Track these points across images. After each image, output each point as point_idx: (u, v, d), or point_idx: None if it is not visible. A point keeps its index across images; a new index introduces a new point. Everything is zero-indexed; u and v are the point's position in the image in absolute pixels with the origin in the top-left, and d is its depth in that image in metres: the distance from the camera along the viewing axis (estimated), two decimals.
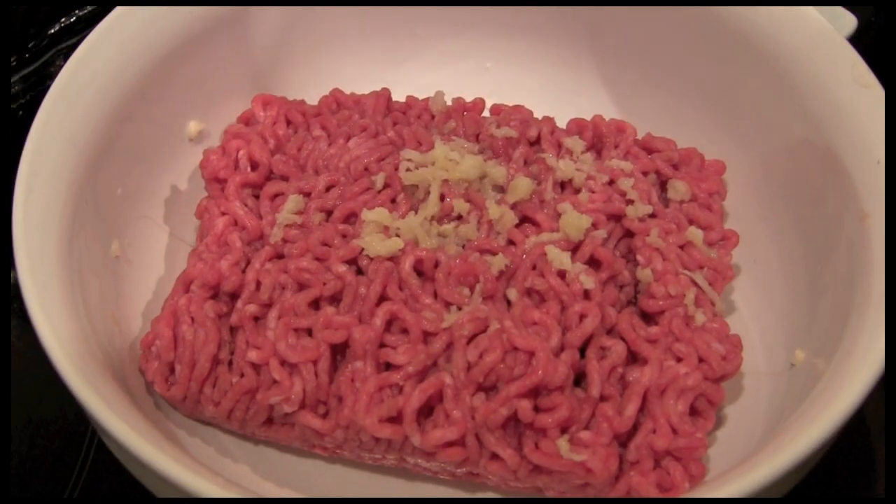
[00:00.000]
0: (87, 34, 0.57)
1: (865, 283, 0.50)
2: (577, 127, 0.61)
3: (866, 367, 0.45)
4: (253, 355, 0.52)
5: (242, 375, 0.52)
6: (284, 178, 0.59)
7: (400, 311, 0.52)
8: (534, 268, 0.54)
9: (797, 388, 0.52)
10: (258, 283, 0.54)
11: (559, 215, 0.55)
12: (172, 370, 0.54)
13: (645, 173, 0.59)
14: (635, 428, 0.51)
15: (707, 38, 0.61)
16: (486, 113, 0.62)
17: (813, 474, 0.48)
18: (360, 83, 0.64)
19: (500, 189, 0.57)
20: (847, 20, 0.74)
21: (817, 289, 0.55)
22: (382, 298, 0.53)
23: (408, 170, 0.57)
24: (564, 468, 0.49)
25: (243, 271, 0.55)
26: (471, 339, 0.51)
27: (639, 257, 0.55)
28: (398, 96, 0.63)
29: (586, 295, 0.53)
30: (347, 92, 0.63)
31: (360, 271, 0.54)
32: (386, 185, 0.57)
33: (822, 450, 0.46)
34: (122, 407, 0.47)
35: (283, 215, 0.56)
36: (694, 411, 0.52)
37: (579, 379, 0.52)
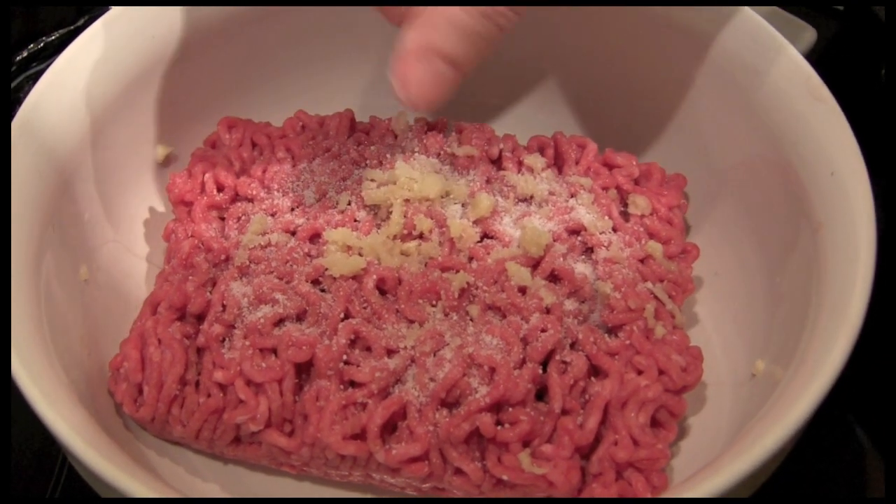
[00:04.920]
0: (56, 59, 0.58)
1: (820, 291, 0.50)
2: (538, 144, 0.62)
3: (821, 374, 0.45)
4: (219, 375, 0.52)
5: (209, 396, 0.53)
6: (250, 200, 0.60)
7: (363, 329, 0.52)
8: (495, 283, 0.54)
9: (758, 397, 0.52)
10: (224, 304, 0.54)
11: (520, 231, 0.56)
12: (141, 391, 0.54)
13: (605, 188, 0.60)
14: (597, 440, 0.51)
15: (666, 54, 0.62)
16: (448, 132, 0.63)
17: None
18: (324, 105, 0.65)
19: (462, 207, 0.58)
20: (807, 33, 0.75)
21: (776, 299, 0.56)
22: (346, 317, 0.53)
23: (371, 189, 0.58)
24: (526, 481, 0.49)
25: (209, 292, 0.56)
26: (433, 355, 0.51)
27: (599, 271, 0.56)
28: (361, 117, 0.64)
29: (547, 310, 0.54)
30: (312, 114, 0.64)
31: (324, 290, 0.55)
32: (349, 205, 0.58)
33: (781, 455, 0.47)
34: (88, 429, 0.47)
35: (248, 236, 0.57)
36: (656, 423, 0.52)
37: (541, 393, 0.52)
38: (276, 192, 0.59)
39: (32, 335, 0.50)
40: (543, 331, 0.53)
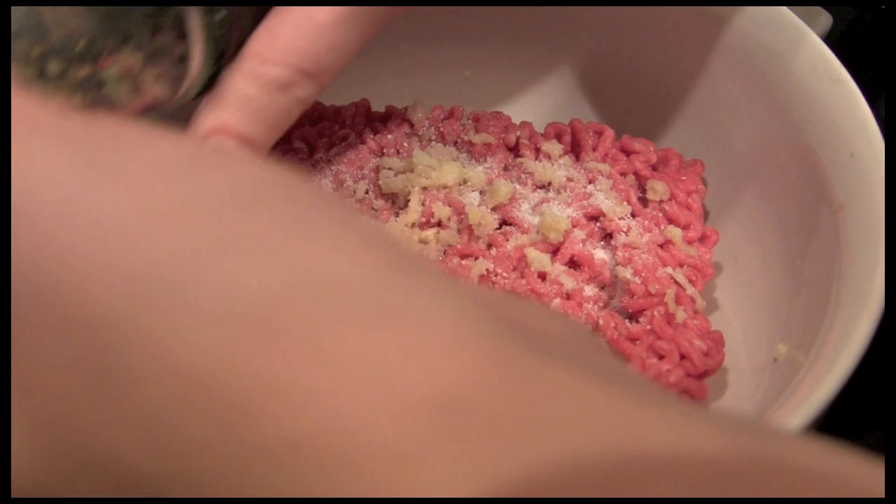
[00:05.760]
0: None
1: (841, 273, 0.50)
2: (555, 131, 0.62)
3: (843, 356, 0.45)
4: None
5: None
6: None
7: None
8: (514, 270, 0.54)
9: (779, 381, 0.52)
10: None
11: (538, 218, 0.56)
12: None
13: (623, 174, 0.60)
14: None
15: (682, 39, 0.62)
16: (464, 120, 0.63)
17: None
18: (339, 95, 0.65)
19: (480, 194, 0.58)
20: (823, 19, 0.75)
21: (796, 282, 0.56)
22: None
23: (388, 177, 0.58)
24: None
25: None
26: None
27: (618, 256, 0.56)
28: (377, 107, 0.64)
29: (567, 295, 0.54)
30: (327, 104, 0.64)
31: None
32: (366, 194, 0.58)
33: None
34: None
35: None
36: None
37: None
38: None
39: None
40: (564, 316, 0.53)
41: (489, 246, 0.56)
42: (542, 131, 0.62)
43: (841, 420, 0.59)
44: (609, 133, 0.61)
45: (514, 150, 0.61)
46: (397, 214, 0.57)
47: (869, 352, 0.46)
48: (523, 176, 0.59)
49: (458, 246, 0.55)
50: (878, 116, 0.54)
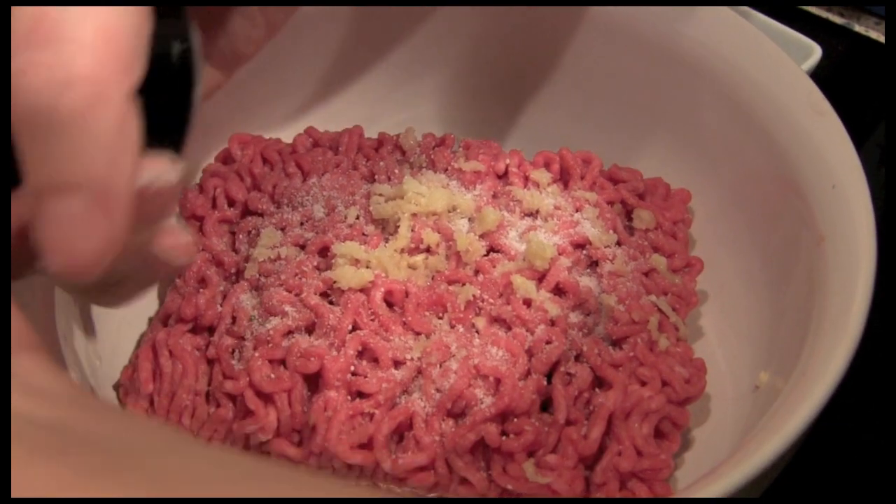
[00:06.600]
0: None
1: (821, 303, 0.51)
2: (544, 160, 0.63)
3: (819, 384, 0.46)
4: (229, 386, 0.53)
5: (219, 406, 0.54)
6: (260, 215, 0.61)
7: (370, 341, 0.53)
8: (500, 296, 0.55)
9: (760, 409, 0.53)
10: (233, 317, 0.55)
11: (525, 245, 0.57)
12: (152, 402, 0.55)
13: (610, 203, 0.60)
14: (601, 451, 0.52)
15: (669, 70, 0.63)
16: (455, 148, 0.64)
17: None
18: (333, 121, 0.66)
19: (469, 221, 0.59)
20: (813, 50, 0.76)
21: (779, 311, 0.57)
22: (354, 328, 0.54)
23: (379, 204, 0.58)
24: (531, 491, 0.50)
25: (220, 305, 0.56)
26: (439, 366, 0.52)
27: (603, 284, 0.56)
28: (370, 133, 0.65)
29: (552, 322, 0.54)
30: (321, 130, 0.65)
31: (332, 303, 0.55)
32: (357, 219, 0.59)
33: (781, 464, 0.47)
34: None
35: (259, 250, 0.57)
36: (660, 434, 0.53)
37: (546, 404, 0.53)
38: (285, 207, 0.60)
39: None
40: (548, 343, 0.53)
41: (476, 272, 0.56)
42: (532, 159, 0.63)
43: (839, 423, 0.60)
44: (597, 162, 0.62)
45: (504, 177, 0.62)
46: (387, 240, 0.58)
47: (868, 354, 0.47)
48: (511, 203, 0.60)
49: (446, 272, 0.56)
50: (867, 147, 0.55)
